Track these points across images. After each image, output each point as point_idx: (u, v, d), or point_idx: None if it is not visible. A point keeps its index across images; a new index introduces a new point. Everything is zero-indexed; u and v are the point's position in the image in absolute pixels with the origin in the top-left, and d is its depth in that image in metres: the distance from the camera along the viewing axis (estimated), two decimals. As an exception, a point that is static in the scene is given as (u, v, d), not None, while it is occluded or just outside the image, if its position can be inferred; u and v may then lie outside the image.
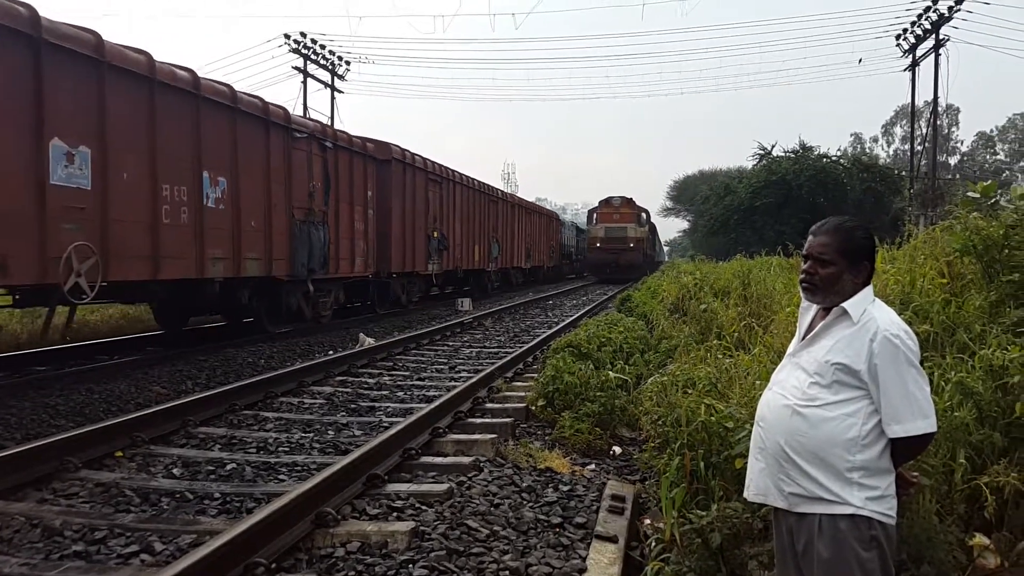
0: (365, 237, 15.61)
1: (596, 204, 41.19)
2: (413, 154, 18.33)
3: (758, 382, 4.50)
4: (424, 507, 4.35)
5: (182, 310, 12.33)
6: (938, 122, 38.00)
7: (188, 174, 9.93)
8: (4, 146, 7.32)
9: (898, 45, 35.02)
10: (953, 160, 70.97)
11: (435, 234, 19.99)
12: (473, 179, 24.11)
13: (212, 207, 10.43)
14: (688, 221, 75.02)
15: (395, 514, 4.25)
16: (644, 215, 41.23)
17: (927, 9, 32.27)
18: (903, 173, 40.61)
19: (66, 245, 7.85)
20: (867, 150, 73.02)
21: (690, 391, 4.79)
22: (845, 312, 2.36)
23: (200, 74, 10.27)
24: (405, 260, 17.80)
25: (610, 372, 7.15)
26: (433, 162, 19.97)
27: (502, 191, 30.27)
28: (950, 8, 31.56)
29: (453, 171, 21.80)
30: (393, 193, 17.01)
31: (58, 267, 7.73)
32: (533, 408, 6.91)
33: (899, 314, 2.83)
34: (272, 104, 12.22)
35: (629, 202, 39.91)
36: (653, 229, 52.60)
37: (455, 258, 21.87)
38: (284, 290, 12.81)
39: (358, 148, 15.18)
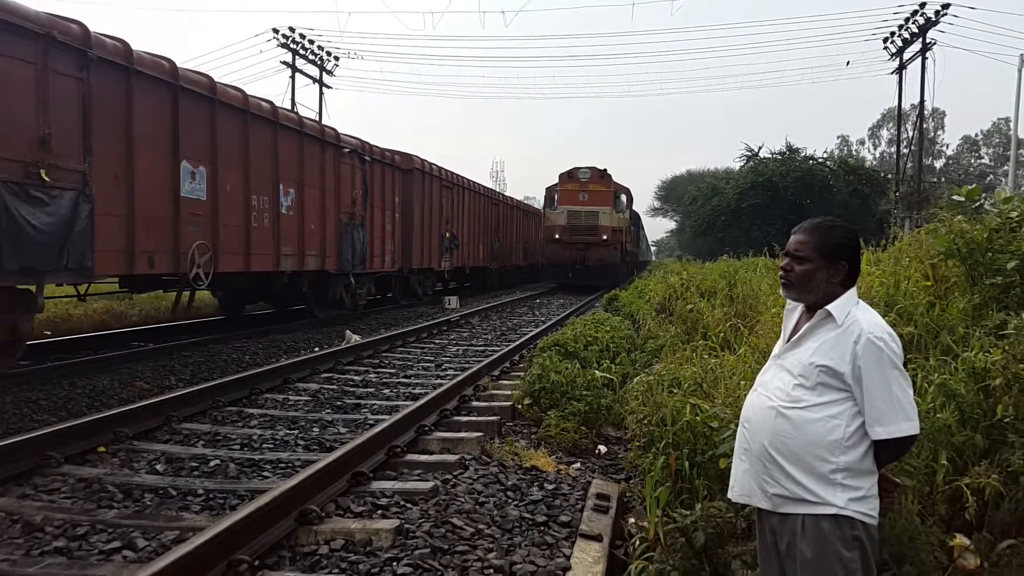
0: (393, 237, 18.08)
1: (556, 180, 28.45)
2: (431, 164, 20.72)
3: (743, 382, 4.52)
4: (409, 505, 4.34)
5: (244, 298, 14.87)
6: (924, 125, 38.28)
7: (269, 186, 12.31)
8: (155, 168, 9.62)
9: (885, 48, 35.24)
10: (939, 163, 71.51)
11: (447, 234, 21.90)
12: (478, 184, 26.71)
13: (285, 213, 12.80)
14: (676, 221, 75.24)
15: (380, 512, 4.24)
16: (624, 197, 29.76)
17: (914, 13, 32.49)
18: (889, 176, 40.90)
19: (191, 243, 10.16)
20: (854, 152, 73.55)
21: (676, 391, 4.79)
22: (829, 314, 2.37)
23: (275, 103, 12.64)
24: (423, 257, 20.00)
25: (596, 371, 7.15)
26: (446, 170, 22.29)
27: (503, 195, 32.40)
28: (937, 12, 31.79)
29: (462, 177, 24.25)
30: (414, 198, 19.36)
31: (186, 260, 10.04)
32: (519, 406, 6.90)
33: (883, 316, 2.85)
34: (327, 126, 14.70)
35: (602, 176, 27.73)
36: (637, 220, 41.13)
37: (463, 256, 24.21)
38: (332, 282, 15.13)
39: (388, 160, 17.65)
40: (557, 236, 27.19)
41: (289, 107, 29.78)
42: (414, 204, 19.28)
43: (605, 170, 27.85)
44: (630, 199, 31.41)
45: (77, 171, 8.24)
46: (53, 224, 7.80)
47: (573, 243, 26.92)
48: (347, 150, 15.18)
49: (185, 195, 10.14)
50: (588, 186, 27.42)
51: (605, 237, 26.91)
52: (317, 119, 24.25)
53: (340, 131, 15.13)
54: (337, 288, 15.45)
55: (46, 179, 7.77)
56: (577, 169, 27.80)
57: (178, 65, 10.04)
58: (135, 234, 9.19)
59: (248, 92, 11.92)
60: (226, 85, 11.35)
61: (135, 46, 9.26)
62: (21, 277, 7.69)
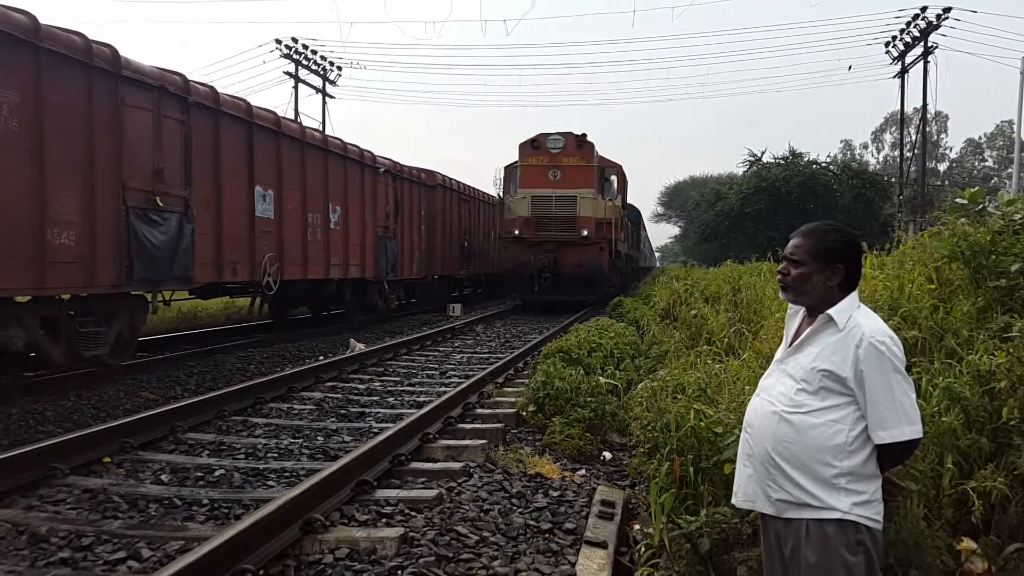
0: (419, 247, 19.67)
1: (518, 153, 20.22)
2: (451, 179, 22.24)
3: (747, 387, 4.51)
4: (414, 513, 4.33)
5: (291, 304, 16.36)
6: (927, 129, 38.24)
7: (321, 205, 14.14)
8: (237, 193, 11.42)
9: (887, 52, 35.27)
10: (942, 167, 71.34)
11: (465, 244, 23.21)
12: (492, 196, 28.07)
13: (333, 228, 14.63)
14: (679, 227, 75.23)
15: (384, 520, 4.24)
16: (615, 179, 21.72)
17: (915, 17, 32.52)
18: (892, 179, 40.86)
19: (263, 255, 11.96)
20: (857, 157, 73.43)
21: (680, 396, 4.79)
22: (831, 319, 2.37)
23: (320, 131, 15.01)
24: (444, 265, 21.55)
25: (600, 377, 7.14)
26: (464, 184, 24.04)
27: None
28: (938, 16, 31.83)
29: (478, 191, 25.92)
30: (437, 212, 20.96)
31: (259, 270, 11.82)
32: (523, 413, 6.89)
33: (887, 320, 2.85)
34: (365, 150, 16.33)
35: (581, 146, 19.60)
36: (637, 217, 33.78)
37: (480, 264, 25.59)
38: (369, 289, 16.87)
39: (415, 178, 19.39)
40: (517, 232, 19.39)
41: (293, 117, 29.94)
42: (437, 217, 20.80)
43: (584, 136, 19.60)
44: (623, 181, 22.99)
45: (181, 197, 10.00)
46: (165, 242, 9.53)
47: (540, 242, 19.14)
48: (382, 170, 17.01)
49: (258, 215, 11.96)
50: (561, 160, 19.40)
51: (586, 233, 18.95)
52: (322, 129, 24.73)
53: (376, 153, 16.93)
54: (373, 294, 17.20)
55: (160, 204, 9.49)
56: (545, 136, 19.57)
57: (252, 105, 12.03)
58: (222, 248, 10.97)
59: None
60: (288, 120, 13.53)
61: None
62: (143, 285, 9.36)
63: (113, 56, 8.75)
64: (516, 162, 20.36)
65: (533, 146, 19.64)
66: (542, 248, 19.23)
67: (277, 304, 15.76)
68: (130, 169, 9.01)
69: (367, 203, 16.29)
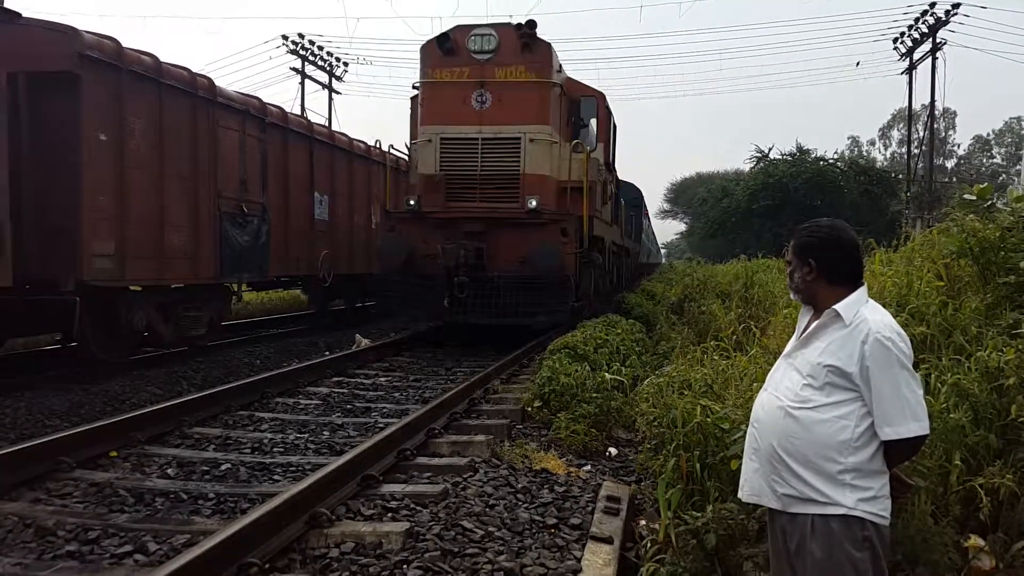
0: None
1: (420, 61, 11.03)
2: None
3: (754, 383, 4.49)
4: (419, 508, 4.33)
5: (329, 296, 16.96)
6: (935, 125, 38.08)
7: (364, 207, 16.07)
8: (301, 198, 13.27)
9: (895, 49, 35.13)
10: (950, 163, 71.04)
11: None
12: None
13: (374, 228, 16.24)
14: (686, 223, 75.14)
15: (390, 515, 4.24)
16: (593, 120, 12.65)
17: (924, 13, 32.37)
18: (900, 176, 40.73)
19: (319, 253, 13.73)
20: (864, 153, 73.12)
21: (686, 392, 4.78)
22: (838, 314, 2.36)
23: (355, 138, 16.02)
24: None
25: (606, 373, 7.12)
26: None
27: None
28: (947, 12, 31.66)
29: None
30: None
31: (317, 265, 13.63)
32: (529, 409, 6.88)
33: (896, 316, 2.83)
34: (401, 157, 17.53)
35: (528, 45, 10.49)
36: (638, 198, 25.50)
37: None
38: None
39: None
40: (413, 203, 10.97)
41: (299, 113, 30.02)
42: None
43: (532, 26, 10.67)
44: (607, 120, 13.39)
45: (259, 203, 11.73)
46: (248, 241, 11.29)
47: (453, 219, 10.85)
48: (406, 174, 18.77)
49: (316, 217, 13.75)
50: (494, 73, 10.81)
51: (535, 203, 10.47)
52: (328, 126, 24.81)
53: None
54: None
55: (244, 210, 11.19)
56: (464, 30, 10.97)
57: (313, 123, 14.13)
58: (289, 246, 12.72)
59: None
60: (340, 133, 15.62)
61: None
62: (231, 276, 11.24)
63: (210, 85, 10.51)
64: (420, 81, 11.43)
65: (444, 49, 10.89)
66: (457, 230, 10.72)
67: (321, 295, 16.95)
68: (223, 180, 10.74)
69: None
